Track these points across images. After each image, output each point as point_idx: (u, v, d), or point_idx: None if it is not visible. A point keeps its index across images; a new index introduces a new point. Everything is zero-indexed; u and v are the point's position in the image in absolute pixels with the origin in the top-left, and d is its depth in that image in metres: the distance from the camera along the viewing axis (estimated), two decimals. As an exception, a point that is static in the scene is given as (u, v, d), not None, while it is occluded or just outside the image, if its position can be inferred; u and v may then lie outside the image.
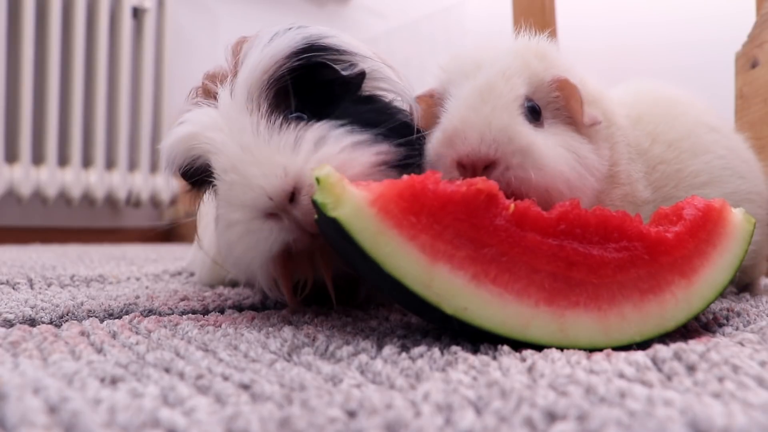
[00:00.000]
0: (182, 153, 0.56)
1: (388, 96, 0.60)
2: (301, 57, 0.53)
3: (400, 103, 0.60)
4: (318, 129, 0.52)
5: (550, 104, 0.56)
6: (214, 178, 0.53)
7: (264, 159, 0.50)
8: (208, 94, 0.57)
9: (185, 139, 0.55)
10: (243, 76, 0.53)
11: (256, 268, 0.55)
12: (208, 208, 0.69)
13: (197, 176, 0.59)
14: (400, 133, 0.55)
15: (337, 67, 0.55)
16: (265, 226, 0.51)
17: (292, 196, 0.49)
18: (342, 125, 0.52)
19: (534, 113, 0.54)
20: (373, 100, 0.59)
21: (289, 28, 0.55)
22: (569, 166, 0.53)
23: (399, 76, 0.62)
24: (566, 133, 0.55)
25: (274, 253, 0.52)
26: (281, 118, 0.52)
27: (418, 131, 0.57)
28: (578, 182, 0.54)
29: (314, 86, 0.55)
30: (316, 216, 0.44)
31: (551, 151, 0.52)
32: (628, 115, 0.65)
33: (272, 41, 0.53)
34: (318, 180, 0.42)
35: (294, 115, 0.54)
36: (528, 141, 0.51)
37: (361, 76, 0.58)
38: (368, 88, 0.60)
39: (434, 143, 0.54)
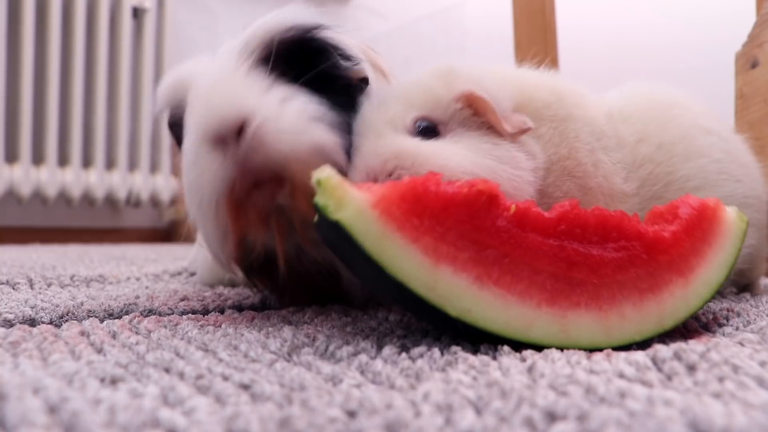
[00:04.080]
0: (171, 94, 0.57)
1: None
2: (309, 33, 0.55)
3: None
4: (288, 89, 0.53)
5: (456, 117, 0.57)
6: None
7: (230, 90, 0.51)
8: None
9: (177, 81, 0.56)
10: (248, 31, 0.55)
11: (203, 206, 0.53)
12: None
13: (183, 127, 0.59)
14: None
15: (337, 56, 0.57)
16: (210, 156, 0.51)
17: (241, 129, 0.50)
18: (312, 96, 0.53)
19: (429, 132, 0.56)
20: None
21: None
22: (476, 164, 0.53)
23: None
24: (472, 138, 0.56)
25: (218, 188, 0.51)
26: (265, 74, 0.53)
27: None
28: (499, 177, 0.53)
29: (310, 68, 0.56)
30: (315, 218, 0.44)
31: (447, 152, 0.53)
32: (609, 112, 0.65)
33: (291, 13, 0.56)
34: (319, 182, 0.42)
35: (278, 80, 0.54)
36: (413, 148, 0.52)
37: (363, 82, 0.59)
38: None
39: None
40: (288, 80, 0.54)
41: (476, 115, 0.56)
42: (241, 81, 0.52)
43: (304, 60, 0.56)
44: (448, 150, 0.53)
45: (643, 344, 0.43)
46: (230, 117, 0.50)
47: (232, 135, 0.50)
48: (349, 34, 0.61)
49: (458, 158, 0.53)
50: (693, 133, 0.67)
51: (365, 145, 0.54)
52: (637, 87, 0.73)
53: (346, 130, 0.55)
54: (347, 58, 0.58)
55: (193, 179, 0.53)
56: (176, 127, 0.61)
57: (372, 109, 0.57)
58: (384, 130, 0.54)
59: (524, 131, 0.56)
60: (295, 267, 0.59)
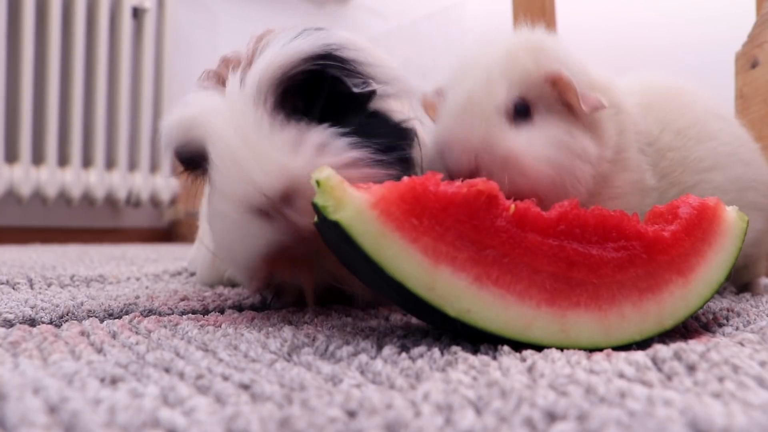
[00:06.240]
0: (181, 134, 0.56)
1: (396, 115, 0.59)
2: (317, 63, 0.53)
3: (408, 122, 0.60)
4: (321, 133, 0.51)
5: (544, 97, 0.57)
6: (209, 164, 0.53)
7: (263, 155, 0.50)
8: (219, 79, 0.57)
9: (185, 120, 0.55)
10: (257, 69, 0.53)
11: (241, 264, 0.54)
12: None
13: (192, 160, 0.58)
14: (403, 160, 0.55)
15: (349, 81, 0.55)
16: (254, 223, 0.50)
17: (287, 197, 0.49)
18: (345, 134, 0.52)
19: (523, 112, 0.56)
20: (378, 115, 0.58)
21: (317, 30, 0.55)
22: (553, 165, 0.55)
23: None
24: (558, 126, 0.56)
25: (262, 251, 0.51)
26: (283, 115, 0.52)
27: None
28: (567, 176, 0.56)
29: (323, 94, 0.55)
30: (315, 219, 0.44)
31: (534, 153, 0.54)
32: (637, 103, 0.66)
33: (294, 40, 0.53)
34: (318, 183, 0.42)
35: (296, 116, 0.53)
36: (508, 149, 0.54)
37: (371, 94, 0.58)
38: (376, 105, 0.59)
39: (430, 148, 0.57)
40: (306, 112, 0.53)
41: (560, 96, 0.57)
42: (269, 140, 0.50)
43: (319, 89, 0.54)
44: (535, 145, 0.55)
45: (643, 344, 0.43)
46: (274, 190, 0.49)
47: (278, 205, 0.49)
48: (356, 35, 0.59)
49: (539, 161, 0.55)
50: (705, 117, 0.68)
51: (477, 130, 0.54)
52: (646, 76, 0.74)
53: (383, 160, 0.53)
54: (361, 76, 0.56)
55: (232, 241, 0.53)
56: (186, 161, 0.60)
57: (479, 87, 0.55)
58: (494, 118, 0.55)
59: (599, 109, 0.57)
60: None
